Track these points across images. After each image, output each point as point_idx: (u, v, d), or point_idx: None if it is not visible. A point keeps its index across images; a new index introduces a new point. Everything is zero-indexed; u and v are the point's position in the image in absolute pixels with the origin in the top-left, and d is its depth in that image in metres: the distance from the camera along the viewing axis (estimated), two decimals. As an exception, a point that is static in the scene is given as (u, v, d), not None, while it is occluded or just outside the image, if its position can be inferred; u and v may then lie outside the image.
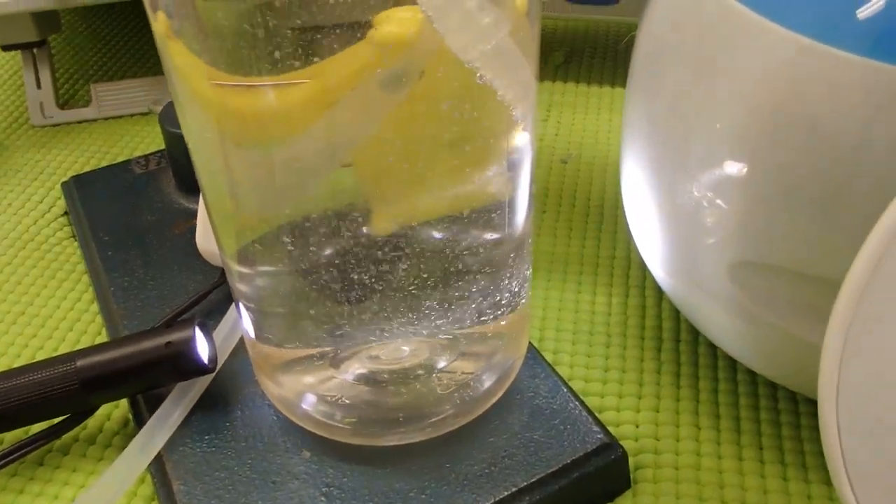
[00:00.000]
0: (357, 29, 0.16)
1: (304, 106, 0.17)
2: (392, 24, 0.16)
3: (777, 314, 0.19)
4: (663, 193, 0.21)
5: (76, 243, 0.31)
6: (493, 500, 0.20)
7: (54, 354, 0.26)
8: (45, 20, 0.37)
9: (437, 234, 0.20)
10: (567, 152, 0.33)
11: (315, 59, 0.16)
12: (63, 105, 0.39)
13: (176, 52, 0.17)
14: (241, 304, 0.21)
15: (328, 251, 0.19)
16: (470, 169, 0.19)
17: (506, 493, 0.20)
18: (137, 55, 0.43)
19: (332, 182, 0.19)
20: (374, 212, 0.19)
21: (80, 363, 0.22)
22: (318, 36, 0.16)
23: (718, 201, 0.19)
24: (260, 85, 0.17)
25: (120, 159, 0.36)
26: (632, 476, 0.22)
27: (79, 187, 0.32)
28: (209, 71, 0.17)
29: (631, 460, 0.22)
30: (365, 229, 0.19)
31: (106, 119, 0.39)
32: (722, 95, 0.18)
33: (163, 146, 0.32)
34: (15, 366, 0.26)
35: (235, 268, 0.21)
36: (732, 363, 0.24)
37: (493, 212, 0.20)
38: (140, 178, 0.32)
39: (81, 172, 0.33)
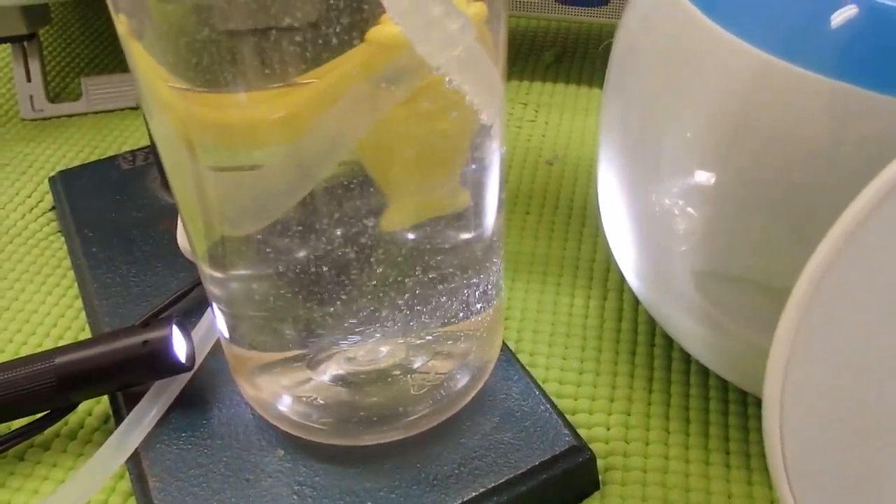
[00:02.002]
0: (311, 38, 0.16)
1: (263, 115, 0.18)
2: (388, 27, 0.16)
3: (741, 324, 0.19)
4: (634, 200, 0.21)
5: (62, 238, 0.31)
6: (460, 501, 0.20)
7: (37, 350, 0.27)
8: (35, 13, 0.37)
9: (408, 237, 0.20)
10: (553, 153, 0.34)
11: (276, 66, 0.16)
12: (53, 98, 0.39)
13: (137, 54, 0.17)
14: (214, 307, 0.22)
15: (300, 254, 0.19)
16: (440, 171, 0.19)
17: (474, 494, 0.21)
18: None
19: (300, 186, 0.19)
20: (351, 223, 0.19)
21: (57, 361, 0.22)
22: (271, 42, 0.16)
23: (686, 211, 0.19)
24: (210, 92, 0.17)
25: (109, 153, 0.36)
26: (601, 477, 0.22)
27: (65, 182, 0.32)
28: (167, 74, 0.17)
29: (600, 462, 0.22)
30: (339, 231, 0.19)
31: (96, 113, 0.39)
32: (690, 106, 0.19)
33: (149, 141, 0.33)
34: (-1, 360, 0.27)
35: (207, 270, 0.21)
36: (704, 369, 0.25)
37: (463, 220, 0.20)
38: (127, 174, 0.32)
39: (69, 167, 0.33)
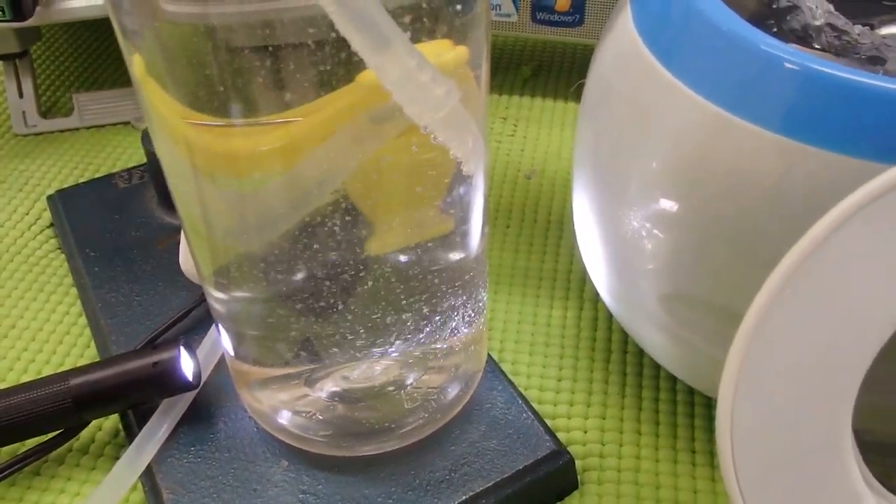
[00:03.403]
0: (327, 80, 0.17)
1: (275, 147, 0.19)
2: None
3: (704, 340, 0.21)
4: (606, 225, 0.23)
5: (62, 256, 0.33)
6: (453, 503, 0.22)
7: (45, 367, 0.28)
8: (27, 32, 0.38)
9: (400, 260, 0.21)
10: (532, 168, 0.35)
11: (286, 102, 0.18)
12: (45, 114, 0.40)
13: (154, 93, 0.19)
14: (219, 325, 0.23)
15: (300, 277, 0.21)
16: (423, 199, 0.21)
17: (464, 498, 0.23)
18: (118, 64, 0.44)
19: (301, 214, 0.21)
20: (344, 248, 0.21)
21: (72, 382, 0.23)
22: (274, 76, 0.17)
23: (652, 238, 0.21)
24: (220, 125, 0.19)
25: (103, 169, 0.37)
26: (579, 478, 0.24)
27: (64, 202, 0.33)
28: (183, 111, 0.18)
29: (579, 463, 0.24)
30: (333, 256, 0.21)
31: (88, 128, 0.40)
32: (652, 145, 0.20)
33: (144, 159, 0.34)
34: (7, 377, 0.28)
35: (213, 290, 0.22)
36: (672, 376, 0.27)
37: (449, 243, 0.22)
38: (124, 193, 0.33)
39: (66, 186, 0.35)
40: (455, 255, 0.22)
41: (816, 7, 0.21)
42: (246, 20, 0.17)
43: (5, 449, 0.25)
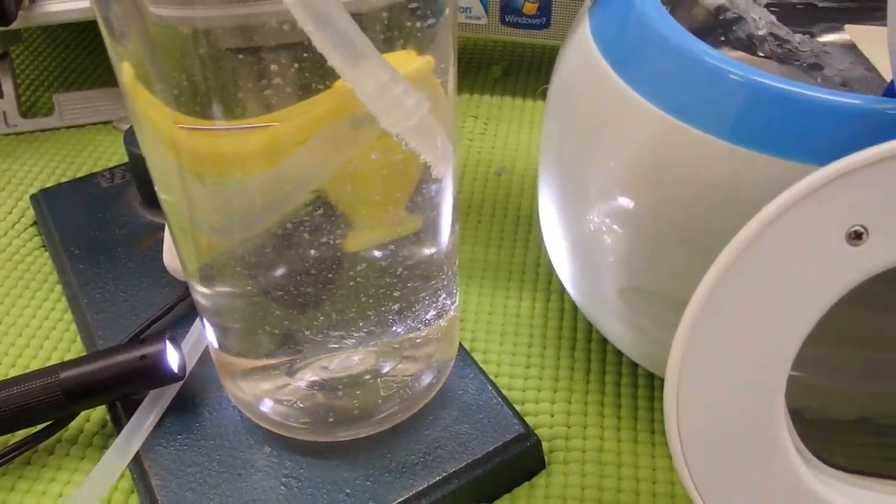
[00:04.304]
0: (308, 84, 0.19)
1: (259, 149, 0.20)
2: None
3: (659, 328, 0.23)
4: (568, 223, 0.25)
5: (47, 254, 0.33)
6: (426, 485, 0.24)
7: (32, 362, 0.29)
8: (8, 34, 0.39)
9: (375, 255, 0.23)
10: (502, 165, 0.37)
11: (269, 105, 0.19)
12: (25, 113, 0.41)
13: (143, 99, 0.20)
14: (204, 318, 0.24)
15: (280, 273, 0.22)
16: (402, 208, 0.22)
17: (438, 478, 0.24)
18: (96, 64, 0.45)
19: (282, 210, 0.22)
20: (321, 245, 0.22)
21: (63, 375, 0.24)
22: (257, 80, 0.18)
23: (610, 235, 0.23)
24: (218, 129, 0.20)
25: (84, 168, 0.38)
26: (546, 458, 0.26)
27: (48, 201, 0.34)
28: (174, 115, 0.19)
29: (545, 445, 0.26)
30: (312, 252, 0.22)
31: (69, 128, 0.41)
32: (610, 148, 0.22)
33: (125, 157, 0.35)
34: (-3, 372, 0.29)
35: (197, 286, 0.24)
36: (633, 362, 0.28)
37: (421, 239, 0.23)
38: (106, 192, 0.34)
39: (50, 186, 0.35)
40: (427, 251, 0.24)
41: (760, 18, 0.23)
42: (231, 23, 0.18)
43: (-3, 440, 0.26)
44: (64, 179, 0.37)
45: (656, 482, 0.25)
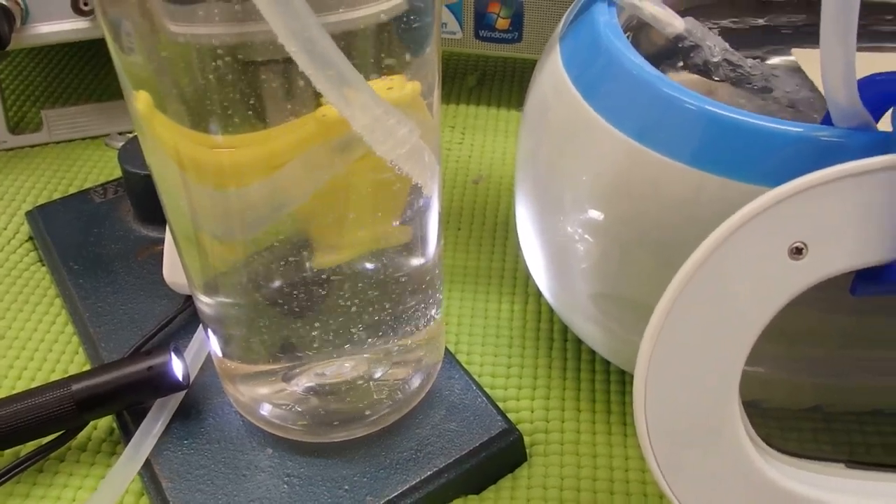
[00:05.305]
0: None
1: (257, 163, 0.22)
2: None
3: (628, 330, 0.25)
4: (543, 231, 0.27)
5: (44, 268, 0.35)
6: (419, 479, 0.26)
7: (38, 374, 0.31)
8: (-7, 53, 0.40)
9: (367, 267, 0.25)
10: (479, 173, 0.39)
11: (267, 123, 0.20)
12: (13, 129, 0.42)
13: (160, 125, 0.20)
14: (208, 326, 0.26)
15: (278, 286, 0.24)
16: (391, 221, 0.24)
17: (429, 473, 0.26)
18: (83, 79, 0.46)
19: (279, 228, 0.24)
20: (316, 253, 0.24)
21: (74, 387, 0.26)
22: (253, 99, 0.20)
23: (582, 244, 0.25)
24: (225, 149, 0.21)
25: (75, 183, 0.39)
26: (528, 451, 0.28)
27: (43, 217, 0.35)
28: (193, 135, 0.20)
29: (527, 439, 0.28)
30: (308, 265, 0.24)
31: (57, 143, 0.42)
32: (580, 165, 0.24)
33: (115, 172, 0.36)
34: (3, 384, 0.30)
35: (202, 298, 0.25)
36: (606, 361, 0.31)
37: (409, 251, 0.25)
38: (100, 207, 0.36)
39: (44, 202, 0.37)
40: (415, 262, 0.26)
41: (714, 46, 0.25)
42: (252, 39, 0.19)
43: (9, 450, 0.27)
44: (56, 194, 0.38)
45: (629, 470, 0.27)
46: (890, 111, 0.19)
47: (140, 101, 0.21)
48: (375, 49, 0.20)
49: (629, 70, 0.22)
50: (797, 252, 0.18)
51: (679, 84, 0.22)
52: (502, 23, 0.40)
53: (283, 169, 0.22)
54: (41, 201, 0.38)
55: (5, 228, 0.37)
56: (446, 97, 0.44)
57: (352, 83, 0.18)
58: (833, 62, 0.18)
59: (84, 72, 0.46)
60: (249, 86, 0.20)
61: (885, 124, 0.20)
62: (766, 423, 0.26)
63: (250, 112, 0.20)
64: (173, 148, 0.21)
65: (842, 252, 0.19)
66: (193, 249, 0.24)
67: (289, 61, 0.18)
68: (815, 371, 0.26)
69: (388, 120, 0.20)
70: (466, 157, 0.40)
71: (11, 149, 0.41)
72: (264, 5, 0.17)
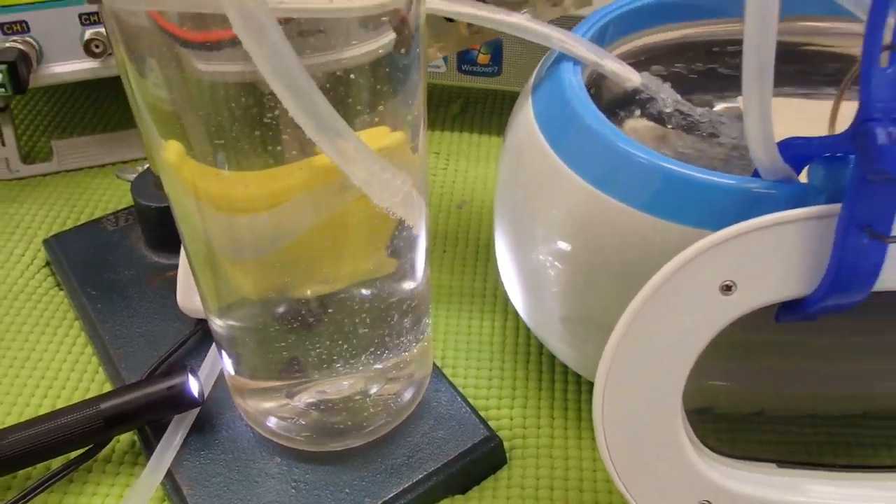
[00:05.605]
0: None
1: (266, 197, 0.24)
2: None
3: (595, 348, 0.29)
4: (518, 257, 0.30)
5: (61, 293, 0.38)
6: (411, 482, 0.29)
7: (62, 392, 0.34)
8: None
9: (362, 293, 0.28)
10: (462, 198, 0.42)
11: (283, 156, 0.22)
12: (24, 159, 0.45)
13: (190, 171, 0.23)
14: (221, 346, 0.29)
15: (282, 311, 0.27)
16: (383, 255, 0.27)
17: (420, 476, 0.29)
18: (89, 110, 0.49)
19: (283, 258, 0.26)
20: (315, 281, 0.27)
21: (102, 406, 0.29)
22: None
23: (553, 270, 0.28)
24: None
25: (87, 210, 0.42)
26: (507, 455, 0.31)
27: (60, 245, 0.38)
28: (217, 173, 0.22)
29: (506, 444, 0.32)
30: (308, 292, 0.27)
31: (67, 171, 0.44)
32: (550, 204, 0.27)
33: (123, 201, 0.39)
34: (30, 407, 0.33)
35: (216, 320, 0.28)
36: (577, 373, 0.34)
37: (400, 278, 0.28)
38: (113, 236, 0.39)
39: (61, 231, 0.39)
40: (405, 287, 0.29)
41: (667, 98, 0.29)
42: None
43: (41, 464, 0.30)
44: (69, 222, 0.41)
45: (596, 470, 0.31)
46: (807, 167, 0.23)
47: (170, 150, 0.23)
48: (365, 99, 0.23)
49: (590, 125, 0.26)
50: (727, 289, 0.22)
51: (633, 139, 0.25)
52: (483, 58, 0.43)
53: (287, 203, 0.25)
54: (55, 228, 0.40)
55: (23, 255, 0.40)
56: (431, 124, 0.47)
57: (349, 141, 0.21)
58: (755, 132, 0.21)
59: (91, 104, 0.49)
60: (269, 128, 0.22)
61: (805, 176, 0.23)
62: (716, 427, 0.30)
63: (268, 149, 0.22)
64: (193, 184, 0.23)
65: (765, 289, 0.22)
66: (209, 274, 0.27)
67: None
68: (758, 380, 0.30)
69: (384, 174, 0.23)
70: (451, 183, 0.43)
71: (23, 178, 0.44)
72: (268, 74, 0.19)
